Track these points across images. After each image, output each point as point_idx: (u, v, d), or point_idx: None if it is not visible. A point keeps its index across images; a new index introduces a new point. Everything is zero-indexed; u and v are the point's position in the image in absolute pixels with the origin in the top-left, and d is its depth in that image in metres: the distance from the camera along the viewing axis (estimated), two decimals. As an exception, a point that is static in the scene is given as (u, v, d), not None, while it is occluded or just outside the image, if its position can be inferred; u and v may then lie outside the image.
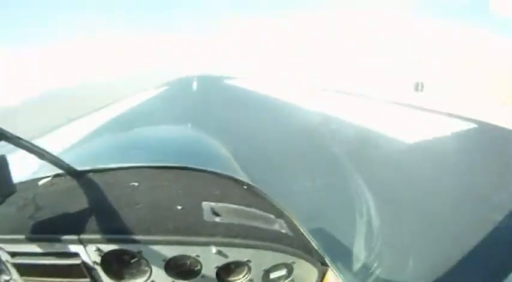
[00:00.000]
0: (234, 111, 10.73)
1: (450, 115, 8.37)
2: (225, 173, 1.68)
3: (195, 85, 23.86)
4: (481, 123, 7.21)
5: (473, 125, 7.15)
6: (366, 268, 2.03)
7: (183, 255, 1.20)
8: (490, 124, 7.09)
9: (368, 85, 15.04)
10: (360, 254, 2.19)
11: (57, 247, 1.18)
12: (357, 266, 2.04)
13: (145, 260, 1.20)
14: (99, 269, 1.21)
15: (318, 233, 1.56)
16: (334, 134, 6.64)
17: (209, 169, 1.66)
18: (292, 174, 4.35)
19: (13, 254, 1.21)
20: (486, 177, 4.34)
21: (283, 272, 1.31)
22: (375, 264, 2.07)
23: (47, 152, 1.35)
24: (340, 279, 1.33)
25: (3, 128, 1.08)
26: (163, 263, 1.20)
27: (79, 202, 1.31)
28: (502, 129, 6.62)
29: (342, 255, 2.11)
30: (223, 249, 1.20)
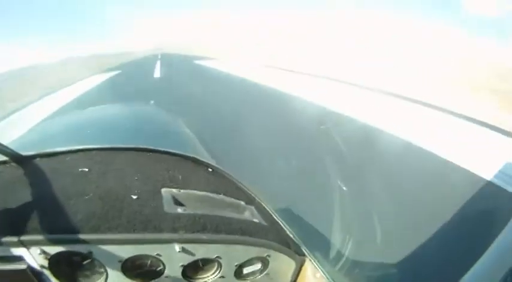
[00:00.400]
0: (199, 91, 10.37)
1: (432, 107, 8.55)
2: (187, 154, 1.49)
3: (157, 64, 22.90)
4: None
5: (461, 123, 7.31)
6: (344, 257, 1.99)
7: (141, 255, 1.03)
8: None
9: (343, 69, 15.09)
10: (338, 243, 2.15)
11: None
12: (335, 255, 1.99)
13: (99, 261, 1.02)
14: (48, 273, 1.02)
15: (293, 220, 1.46)
16: (310, 115, 6.56)
17: (169, 150, 1.48)
18: (264, 156, 4.23)
19: None
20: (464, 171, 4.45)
21: (257, 266, 1.19)
22: (354, 253, 2.03)
23: None
24: (319, 269, 1.23)
25: None
26: (119, 264, 1.02)
27: (22, 194, 1.10)
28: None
29: (320, 245, 2.05)
30: (188, 246, 1.04)
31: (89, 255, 1.00)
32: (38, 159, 1.33)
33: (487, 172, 4.10)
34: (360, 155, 4.49)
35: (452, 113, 7.67)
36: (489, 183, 3.83)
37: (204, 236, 1.05)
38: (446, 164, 4.54)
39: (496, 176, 3.97)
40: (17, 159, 1.30)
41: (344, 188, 2.69)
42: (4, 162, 1.29)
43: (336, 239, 2.16)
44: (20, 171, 1.25)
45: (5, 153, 1.25)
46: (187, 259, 1.06)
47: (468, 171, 4.24)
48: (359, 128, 6.21)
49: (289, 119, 6.48)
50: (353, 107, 7.94)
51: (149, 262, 1.05)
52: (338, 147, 4.14)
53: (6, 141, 1.26)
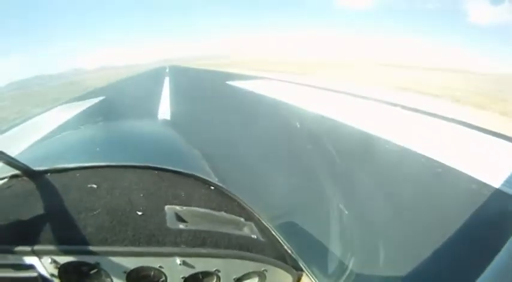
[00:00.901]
0: (205, 107, 10.51)
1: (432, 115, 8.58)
2: (190, 172, 1.56)
3: (165, 76, 23.26)
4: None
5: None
6: (341, 271, 2.01)
7: (145, 267, 1.09)
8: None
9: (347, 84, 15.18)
10: (335, 258, 2.16)
11: (10, 259, 1.04)
12: (332, 270, 2.01)
13: (105, 271, 1.08)
14: (57, 281, 1.09)
15: (291, 236, 1.49)
16: (309, 133, 6.60)
17: (173, 168, 1.54)
18: (264, 174, 4.27)
19: None
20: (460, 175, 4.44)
21: (255, 280, 1.23)
22: (351, 268, 2.05)
23: (2, 152, 1.20)
24: None
25: None
26: (124, 275, 1.08)
27: (35, 207, 1.17)
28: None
29: (317, 260, 2.06)
30: (188, 259, 1.10)
31: (96, 265, 1.06)
32: (48, 174, 1.40)
33: (493, 178, 4.09)
34: (359, 167, 4.51)
35: (456, 121, 7.72)
36: (495, 190, 3.80)
37: (203, 250, 1.11)
38: (450, 171, 4.53)
39: (502, 181, 3.96)
40: (28, 173, 1.37)
41: (342, 206, 2.72)
42: (16, 176, 1.37)
43: (333, 254, 2.18)
44: (31, 186, 1.32)
45: (17, 168, 1.32)
46: (188, 272, 1.12)
47: (473, 177, 4.23)
48: (358, 139, 6.23)
49: (291, 135, 6.54)
50: (353, 117, 8.00)
51: (152, 273, 1.11)
52: (338, 165, 4.18)
53: (16, 154, 1.33)
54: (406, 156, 5.20)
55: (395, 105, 9.81)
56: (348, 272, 1.99)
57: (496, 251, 0.67)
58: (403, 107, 9.48)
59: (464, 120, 7.67)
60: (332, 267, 2.03)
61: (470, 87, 14.31)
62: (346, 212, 2.75)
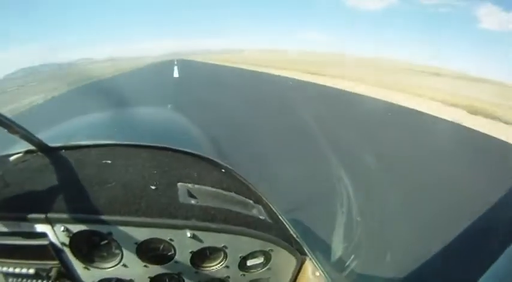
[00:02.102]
0: (213, 94, 10.60)
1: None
2: (203, 154, 1.60)
3: (176, 68, 23.40)
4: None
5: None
6: (344, 258, 2.05)
7: (155, 239, 1.13)
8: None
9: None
10: (338, 244, 2.19)
11: (23, 227, 1.09)
12: (335, 256, 2.04)
13: (116, 242, 1.12)
14: (67, 251, 1.12)
15: (297, 222, 1.53)
16: (318, 122, 6.63)
17: (187, 150, 1.59)
18: (274, 161, 4.32)
19: None
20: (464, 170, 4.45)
21: (260, 259, 1.27)
22: (353, 255, 2.08)
23: (20, 127, 1.24)
24: (319, 268, 1.31)
25: None
26: (134, 246, 1.12)
27: (49, 179, 1.22)
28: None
29: (321, 245, 2.11)
30: (198, 233, 1.13)
31: (108, 235, 1.10)
32: (63, 150, 1.46)
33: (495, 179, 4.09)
34: (366, 160, 4.51)
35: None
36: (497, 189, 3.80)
37: (213, 225, 1.14)
38: (454, 169, 4.54)
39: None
40: (44, 149, 1.43)
41: (350, 197, 2.74)
42: (31, 152, 1.42)
43: (337, 241, 2.22)
44: (46, 160, 1.37)
45: (33, 143, 1.37)
46: (197, 246, 1.16)
47: (475, 177, 4.24)
48: (367, 136, 6.20)
49: (297, 123, 6.57)
50: (369, 116, 8.00)
51: (162, 246, 1.15)
52: (345, 154, 4.19)
53: (34, 132, 1.37)
54: (413, 153, 5.21)
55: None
56: (348, 258, 2.02)
57: (499, 252, 0.67)
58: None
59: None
60: (333, 253, 2.07)
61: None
62: (354, 202, 2.77)
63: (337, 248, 2.12)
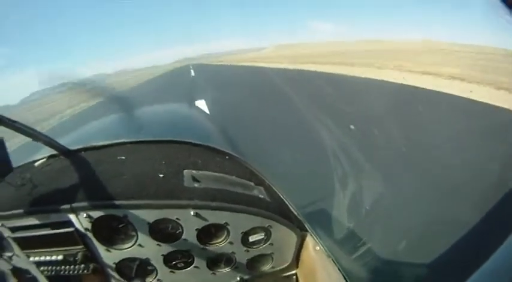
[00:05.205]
0: (223, 93, 10.78)
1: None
2: (206, 144, 1.75)
3: (191, 73, 23.83)
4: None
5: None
6: (344, 234, 2.12)
7: (164, 219, 1.27)
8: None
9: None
10: (339, 220, 2.27)
11: (52, 217, 1.27)
12: (335, 232, 2.12)
13: (132, 224, 1.28)
14: (90, 235, 1.30)
15: (299, 200, 1.63)
16: (317, 108, 6.63)
17: (190, 140, 1.73)
18: (277, 147, 4.40)
19: (13, 229, 1.30)
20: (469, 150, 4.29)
21: (261, 235, 1.39)
22: (353, 231, 2.15)
23: (42, 134, 1.44)
24: (319, 243, 1.42)
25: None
26: (147, 227, 1.28)
27: (71, 177, 1.39)
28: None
29: (322, 222, 2.18)
30: (201, 212, 1.27)
31: (124, 218, 1.26)
32: (82, 152, 1.64)
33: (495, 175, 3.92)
34: (365, 138, 4.46)
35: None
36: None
37: (213, 204, 1.28)
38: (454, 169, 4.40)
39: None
40: (65, 152, 1.61)
41: (349, 178, 2.79)
42: (54, 156, 1.62)
43: (337, 218, 2.29)
44: (68, 162, 1.55)
45: (55, 148, 1.57)
46: (201, 223, 1.30)
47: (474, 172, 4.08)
48: (366, 114, 6.04)
49: (298, 111, 6.58)
50: (370, 96, 7.87)
51: (170, 225, 1.30)
52: (344, 133, 4.18)
53: (52, 135, 1.56)
54: (411, 140, 5.05)
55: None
56: (350, 237, 2.10)
57: (495, 247, 0.65)
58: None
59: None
60: (336, 231, 2.14)
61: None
62: (353, 182, 2.82)
63: (337, 225, 2.19)
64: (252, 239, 1.39)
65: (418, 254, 2.31)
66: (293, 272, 1.56)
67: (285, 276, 1.56)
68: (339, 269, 1.33)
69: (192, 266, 1.40)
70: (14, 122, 1.24)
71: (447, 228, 2.53)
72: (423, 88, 9.47)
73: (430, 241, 2.41)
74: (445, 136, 4.84)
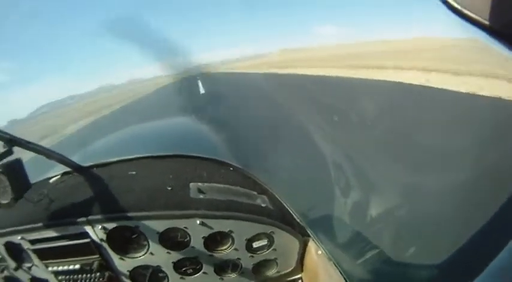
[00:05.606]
0: (225, 106, 10.88)
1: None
2: (211, 157, 1.84)
3: (198, 82, 24.08)
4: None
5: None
6: (346, 238, 2.16)
7: (173, 228, 1.37)
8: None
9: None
10: (340, 225, 2.30)
11: (69, 230, 1.37)
12: (337, 236, 2.16)
13: (143, 234, 1.37)
14: (106, 246, 1.40)
15: (301, 207, 1.69)
16: (317, 113, 6.63)
17: (196, 154, 1.83)
18: (281, 154, 4.42)
19: (33, 242, 1.41)
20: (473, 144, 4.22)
21: (264, 241, 1.47)
22: (355, 234, 2.19)
23: (55, 152, 1.55)
24: (321, 248, 1.48)
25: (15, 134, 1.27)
26: (157, 236, 1.37)
27: (86, 192, 1.50)
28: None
29: (324, 227, 2.21)
30: (206, 221, 1.36)
31: (136, 229, 1.36)
32: (94, 168, 1.75)
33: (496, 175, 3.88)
34: (367, 143, 4.44)
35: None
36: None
37: (217, 213, 1.37)
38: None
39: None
40: (78, 169, 1.72)
41: (351, 181, 2.81)
42: (67, 173, 1.73)
43: (339, 223, 2.32)
44: (81, 178, 1.66)
45: (68, 165, 1.68)
46: (207, 232, 1.38)
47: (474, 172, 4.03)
48: (366, 118, 6.02)
49: (298, 118, 6.58)
50: (369, 100, 7.80)
51: (179, 234, 1.39)
52: (344, 138, 4.17)
53: (64, 152, 1.66)
54: (416, 143, 5.02)
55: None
56: (352, 242, 2.13)
57: (498, 249, 0.64)
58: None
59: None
60: (338, 237, 2.18)
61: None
62: (355, 186, 2.84)
63: (339, 229, 2.22)
64: (255, 245, 1.47)
65: (421, 255, 2.31)
66: (298, 276, 1.63)
67: (290, 280, 1.63)
68: (340, 272, 1.38)
69: (200, 272, 1.49)
70: (29, 143, 1.35)
71: (452, 230, 2.53)
72: (430, 87, 9.35)
73: (433, 244, 2.41)
74: (449, 136, 4.79)
